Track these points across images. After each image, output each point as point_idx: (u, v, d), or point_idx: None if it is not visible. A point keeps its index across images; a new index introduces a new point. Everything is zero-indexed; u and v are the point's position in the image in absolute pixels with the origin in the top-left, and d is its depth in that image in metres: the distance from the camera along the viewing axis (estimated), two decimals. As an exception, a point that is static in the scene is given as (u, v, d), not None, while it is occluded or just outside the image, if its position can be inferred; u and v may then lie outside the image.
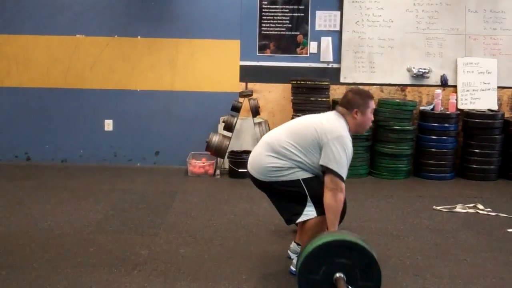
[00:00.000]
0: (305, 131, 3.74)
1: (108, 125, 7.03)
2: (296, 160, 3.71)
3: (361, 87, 6.80)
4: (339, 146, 3.63)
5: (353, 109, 3.77)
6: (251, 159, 3.92)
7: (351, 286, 3.10)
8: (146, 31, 6.90)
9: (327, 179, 3.63)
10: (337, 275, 3.15)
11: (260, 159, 3.81)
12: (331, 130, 3.68)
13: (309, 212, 3.72)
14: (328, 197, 3.62)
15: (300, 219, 3.75)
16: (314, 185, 3.70)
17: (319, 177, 3.71)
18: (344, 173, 3.65)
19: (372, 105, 3.84)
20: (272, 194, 3.92)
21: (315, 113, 6.01)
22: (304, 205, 3.73)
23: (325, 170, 3.64)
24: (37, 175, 6.47)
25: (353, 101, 3.78)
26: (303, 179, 3.72)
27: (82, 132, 7.03)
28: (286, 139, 3.76)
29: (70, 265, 3.93)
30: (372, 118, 3.89)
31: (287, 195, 3.78)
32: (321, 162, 3.65)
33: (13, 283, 3.63)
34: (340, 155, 3.62)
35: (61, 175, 6.52)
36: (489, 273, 3.98)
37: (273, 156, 3.75)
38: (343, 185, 3.64)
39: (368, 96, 3.85)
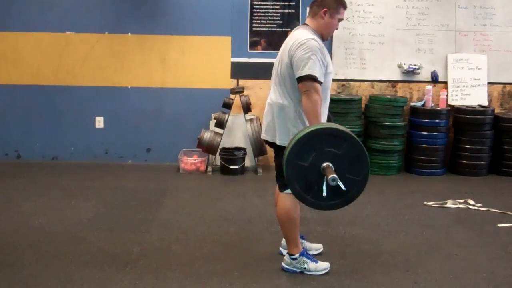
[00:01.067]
0: (282, 71, 3.72)
1: (99, 122, 7.01)
2: (295, 100, 3.67)
3: (350, 84, 6.84)
4: (301, 50, 3.56)
5: (323, 8, 3.71)
6: (264, 127, 3.88)
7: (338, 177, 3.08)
8: (137, 28, 6.88)
9: (300, 85, 3.57)
10: (326, 164, 3.13)
11: (272, 121, 3.77)
12: (293, 43, 3.64)
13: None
14: (304, 101, 3.54)
15: (286, 191, 3.68)
16: None
17: None
18: (315, 72, 3.53)
19: (343, 13, 3.78)
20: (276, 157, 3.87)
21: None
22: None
23: (298, 81, 3.58)
24: (27, 173, 6.44)
25: (326, 1, 3.72)
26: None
27: (73, 130, 7.00)
28: (279, 95, 3.74)
29: (61, 263, 3.91)
30: (338, 27, 3.82)
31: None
32: (296, 77, 3.60)
33: (3, 281, 3.61)
34: (305, 57, 3.54)
35: (51, 173, 6.50)
36: (479, 267, 4.01)
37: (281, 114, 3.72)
38: (316, 85, 3.54)
39: (342, 3, 3.78)
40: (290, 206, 3.73)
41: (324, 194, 3.13)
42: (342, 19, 3.82)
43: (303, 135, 3.19)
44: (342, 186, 3.13)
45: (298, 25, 6.73)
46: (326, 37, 3.83)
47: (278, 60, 3.83)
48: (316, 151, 3.14)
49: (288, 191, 3.57)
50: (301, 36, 3.66)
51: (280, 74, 3.76)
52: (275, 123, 3.75)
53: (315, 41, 3.62)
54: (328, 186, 3.13)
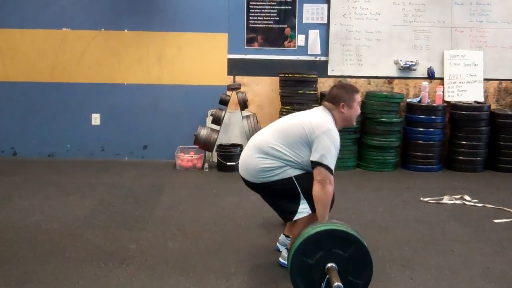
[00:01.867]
0: (292, 129, 3.75)
1: (96, 119, 7.00)
2: (285, 159, 3.72)
3: (347, 80, 6.85)
4: (327, 139, 3.64)
5: (339, 103, 3.79)
6: (241, 163, 3.93)
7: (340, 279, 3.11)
8: (133, 25, 6.87)
9: (316, 171, 3.64)
10: (331, 265, 3.16)
11: (251, 162, 3.81)
12: (319, 125, 3.69)
13: (304, 210, 3.74)
14: (316, 189, 3.63)
15: (296, 217, 3.77)
16: (306, 182, 3.70)
17: (310, 174, 3.71)
18: (332, 165, 3.66)
19: (358, 98, 3.87)
20: (266, 194, 3.94)
21: (303, 105, 6.08)
22: (298, 203, 3.75)
23: (314, 164, 3.65)
24: (23, 170, 6.43)
25: (339, 95, 3.81)
26: (295, 176, 3.73)
27: (69, 127, 6.99)
28: (274, 139, 3.77)
29: (58, 260, 3.91)
30: (359, 111, 3.92)
31: (281, 194, 3.80)
32: (311, 158, 3.66)
33: (0, 278, 3.60)
34: (329, 148, 3.63)
35: (48, 170, 6.49)
36: (475, 263, 4.02)
37: (262, 157, 3.76)
38: (331, 177, 3.65)
39: (353, 90, 3.88)
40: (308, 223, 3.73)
41: None
42: (360, 101, 3.97)
43: (313, 233, 3.21)
44: None
45: (294, 22, 6.84)
46: (350, 126, 4.03)
47: (294, 120, 3.83)
48: (324, 250, 3.16)
49: (300, 215, 3.72)
50: (329, 123, 3.73)
51: (289, 132, 3.76)
52: (254, 166, 3.78)
53: (337, 135, 3.72)
54: (328, 285, 3.14)
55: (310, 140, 3.67)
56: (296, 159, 3.72)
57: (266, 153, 3.75)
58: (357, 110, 3.87)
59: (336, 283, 3.02)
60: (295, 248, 3.22)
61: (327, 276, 3.13)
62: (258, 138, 3.90)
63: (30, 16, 6.81)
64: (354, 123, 4.01)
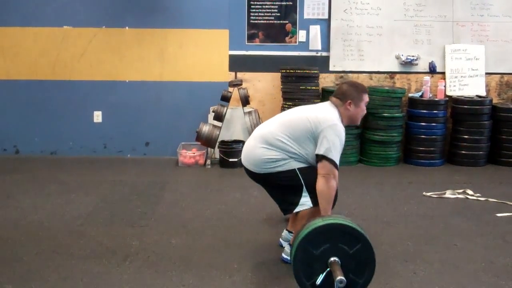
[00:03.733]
0: (298, 122, 3.75)
1: (98, 116, 7.00)
2: (290, 151, 3.72)
3: (348, 75, 6.85)
4: (333, 133, 3.64)
5: (347, 100, 3.79)
6: (244, 152, 3.92)
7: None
8: (134, 22, 6.86)
9: (320, 165, 3.64)
10: (334, 258, 3.16)
11: (255, 152, 3.81)
12: (325, 119, 3.69)
13: (306, 202, 3.74)
14: (320, 183, 3.62)
15: (297, 209, 3.77)
16: (309, 175, 3.70)
17: (314, 168, 3.71)
18: (337, 160, 3.66)
19: (366, 98, 3.87)
20: (268, 185, 3.94)
21: (304, 101, 6.08)
22: (300, 195, 3.74)
23: (319, 158, 3.65)
24: (26, 168, 6.44)
25: (348, 93, 3.81)
26: (298, 169, 3.73)
27: (71, 124, 6.99)
28: (279, 130, 3.77)
29: (61, 257, 3.92)
30: (365, 111, 3.92)
31: (283, 186, 3.80)
32: (316, 152, 3.66)
33: (3, 276, 3.61)
34: (334, 141, 3.63)
35: (50, 168, 6.50)
36: (479, 257, 4.02)
37: (267, 148, 3.76)
38: (336, 171, 3.65)
39: (363, 89, 3.88)
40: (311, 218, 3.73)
41: (318, 282, 3.15)
42: (368, 102, 3.92)
43: (322, 225, 3.21)
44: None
45: (295, 17, 6.84)
46: (354, 124, 3.99)
47: (300, 114, 3.83)
48: (330, 243, 3.17)
49: (301, 208, 3.72)
50: (333, 118, 3.72)
51: (293, 125, 3.76)
52: (261, 160, 3.78)
53: (342, 130, 3.72)
54: (326, 279, 3.14)
55: (315, 134, 3.67)
56: (301, 152, 3.72)
57: (271, 144, 3.75)
58: (363, 110, 3.87)
59: (339, 277, 3.02)
60: (303, 236, 3.21)
61: (328, 269, 3.13)
62: (264, 129, 3.89)
63: (32, 14, 6.82)
64: (359, 123, 4.00)
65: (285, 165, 3.73)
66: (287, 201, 3.83)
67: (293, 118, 3.82)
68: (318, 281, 3.15)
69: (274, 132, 3.77)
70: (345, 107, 3.80)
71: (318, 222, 3.25)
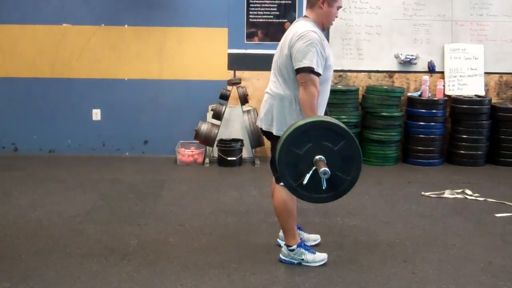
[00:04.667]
0: (279, 57, 3.76)
1: (96, 114, 6.99)
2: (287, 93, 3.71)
3: (347, 74, 6.83)
4: (301, 41, 3.57)
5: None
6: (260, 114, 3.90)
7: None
8: (133, 20, 6.85)
9: (298, 77, 3.60)
10: (319, 157, 3.15)
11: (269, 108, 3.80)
12: (292, 35, 3.65)
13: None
14: (300, 93, 3.58)
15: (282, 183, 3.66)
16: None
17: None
18: (313, 64, 3.55)
19: (341, 1, 3.78)
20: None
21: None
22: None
23: (296, 73, 3.61)
24: (24, 166, 6.43)
25: None
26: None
27: (70, 122, 6.98)
28: (275, 79, 3.79)
29: (59, 255, 3.92)
30: (337, 15, 3.84)
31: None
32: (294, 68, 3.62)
33: (1, 274, 3.61)
34: (304, 50, 3.56)
35: (49, 166, 6.49)
36: (477, 257, 4.02)
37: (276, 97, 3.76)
38: (313, 76, 3.56)
39: None
40: (286, 197, 3.73)
41: (305, 182, 3.14)
42: (340, 7, 3.82)
43: (303, 124, 3.20)
44: (324, 185, 3.13)
45: (295, 16, 6.81)
46: (326, 27, 3.84)
47: (279, 51, 3.83)
48: (313, 142, 3.15)
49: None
50: (301, 28, 3.65)
51: (280, 66, 3.77)
52: (273, 113, 3.75)
53: (315, 33, 3.62)
54: (313, 177, 3.13)
55: (291, 55, 3.64)
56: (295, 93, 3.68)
57: (280, 99, 3.75)
58: (336, 13, 3.78)
59: (322, 168, 3.01)
60: (285, 137, 3.20)
61: (314, 167, 3.12)
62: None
63: (30, 11, 6.80)
64: (332, 22, 3.87)
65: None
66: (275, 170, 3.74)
67: (279, 63, 3.78)
68: (305, 180, 3.14)
69: (275, 92, 3.79)
70: (318, 6, 3.72)
71: (299, 122, 3.23)
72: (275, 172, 3.83)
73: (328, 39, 6.83)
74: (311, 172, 3.13)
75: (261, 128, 3.90)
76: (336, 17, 3.85)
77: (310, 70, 3.55)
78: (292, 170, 3.17)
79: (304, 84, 3.56)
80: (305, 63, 3.55)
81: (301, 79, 3.57)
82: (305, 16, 3.82)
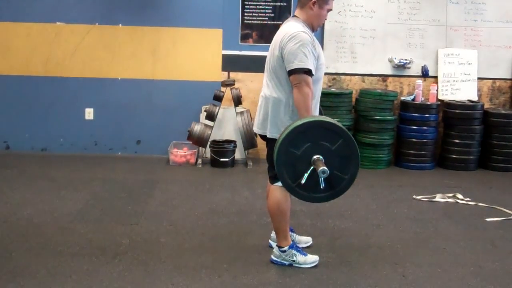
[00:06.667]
0: (271, 59, 3.77)
1: (89, 113, 6.98)
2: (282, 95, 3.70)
3: (341, 77, 6.84)
4: (292, 43, 3.58)
5: (310, 1, 3.71)
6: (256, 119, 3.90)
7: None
8: (127, 19, 6.84)
9: (291, 78, 3.60)
10: (317, 156, 3.15)
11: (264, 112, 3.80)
12: (283, 37, 3.65)
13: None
14: (294, 94, 3.58)
15: (277, 183, 3.68)
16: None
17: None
18: (306, 65, 3.55)
19: (331, 4, 3.78)
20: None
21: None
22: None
23: (288, 75, 3.61)
24: (16, 164, 6.40)
25: None
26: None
27: (62, 121, 6.96)
28: (269, 82, 3.78)
29: (50, 254, 3.90)
30: (327, 17, 3.84)
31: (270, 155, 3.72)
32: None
33: (-8, 272, 3.60)
34: (295, 51, 3.56)
35: (41, 164, 6.47)
36: (467, 261, 4.03)
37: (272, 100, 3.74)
38: (306, 77, 3.56)
39: None
40: (280, 199, 3.73)
41: (303, 181, 3.15)
42: (331, 9, 3.83)
43: (301, 124, 3.21)
44: (322, 184, 3.14)
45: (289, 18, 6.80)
46: (316, 28, 3.84)
47: (270, 53, 3.83)
48: (311, 142, 3.17)
49: (279, 183, 3.58)
50: (291, 29, 3.66)
51: (272, 68, 3.76)
52: (268, 116, 3.75)
53: (305, 34, 3.62)
54: (311, 177, 3.14)
55: (283, 57, 3.64)
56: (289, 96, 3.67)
57: (275, 102, 3.73)
58: (326, 15, 3.78)
59: (321, 167, 3.02)
60: (282, 138, 3.21)
61: (312, 167, 3.12)
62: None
63: (24, 9, 6.78)
64: (322, 24, 3.89)
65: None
66: (272, 171, 3.72)
67: (271, 66, 3.78)
68: (303, 180, 3.15)
69: (269, 95, 3.77)
70: (309, 7, 3.72)
71: (296, 123, 3.23)
72: (270, 172, 3.84)
73: (322, 42, 6.88)
74: (309, 171, 3.14)
75: (260, 134, 3.90)
76: (326, 19, 3.86)
77: (303, 71, 3.55)
78: (290, 170, 3.19)
79: (297, 85, 3.56)
80: (297, 64, 3.56)
81: (294, 80, 3.58)
82: (295, 16, 3.83)
